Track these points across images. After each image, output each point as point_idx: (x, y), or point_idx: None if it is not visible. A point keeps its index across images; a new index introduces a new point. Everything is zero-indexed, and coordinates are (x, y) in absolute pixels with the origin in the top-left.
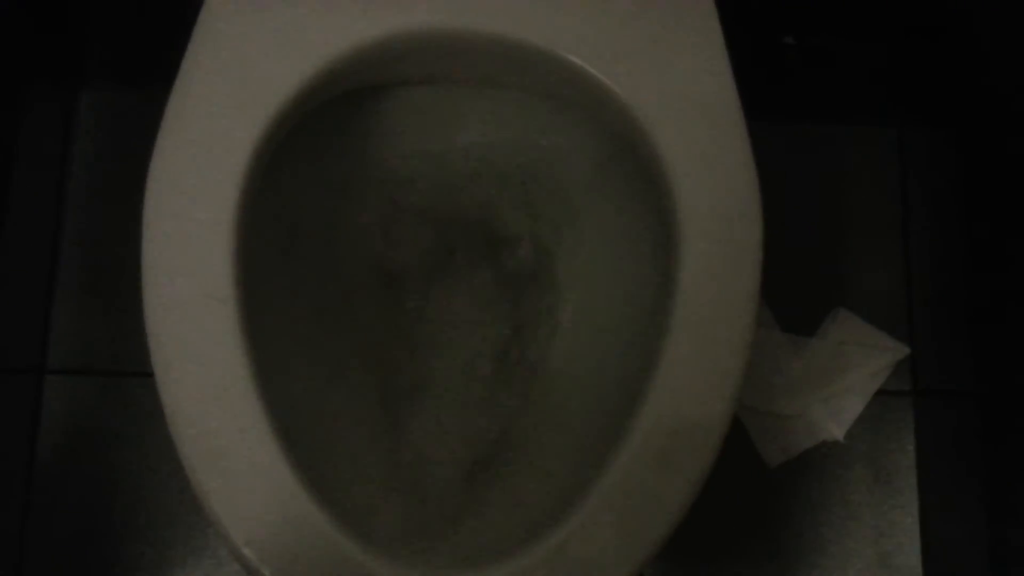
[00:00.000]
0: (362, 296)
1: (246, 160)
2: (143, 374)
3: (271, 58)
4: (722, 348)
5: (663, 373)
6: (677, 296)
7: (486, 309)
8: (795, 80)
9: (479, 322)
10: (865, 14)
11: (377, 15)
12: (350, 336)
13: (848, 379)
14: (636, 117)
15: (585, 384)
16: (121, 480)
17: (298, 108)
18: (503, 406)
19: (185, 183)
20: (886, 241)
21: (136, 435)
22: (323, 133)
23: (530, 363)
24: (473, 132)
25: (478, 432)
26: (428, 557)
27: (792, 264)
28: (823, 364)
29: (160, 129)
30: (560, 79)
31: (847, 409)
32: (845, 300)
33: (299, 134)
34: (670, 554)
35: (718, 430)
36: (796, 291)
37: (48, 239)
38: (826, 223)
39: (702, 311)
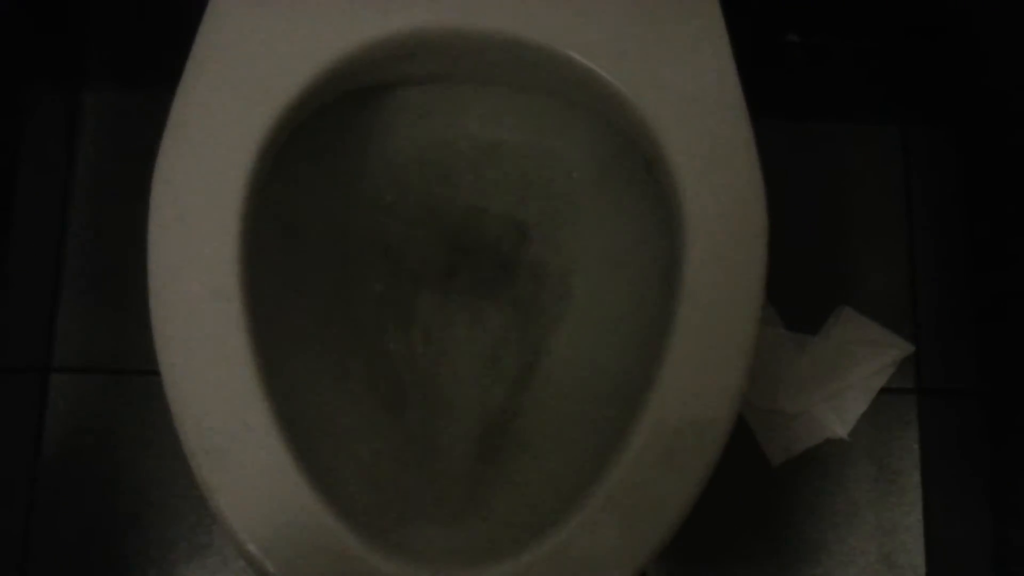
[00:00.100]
0: (365, 295)
1: (251, 159)
2: (148, 372)
3: (275, 58)
4: (727, 347)
5: (667, 372)
6: (682, 294)
7: (489, 307)
8: (798, 78)
9: (482, 320)
10: (868, 12)
11: (381, 14)
12: (354, 334)
13: (852, 377)
14: (641, 115)
15: (589, 382)
16: (126, 478)
17: (302, 108)
18: (507, 405)
19: (190, 183)
20: (889, 239)
21: (140, 433)
22: (326, 132)
23: (534, 362)
24: (476, 130)
25: (482, 430)
26: (432, 553)
27: (796, 262)
28: (827, 362)
29: (165, 128)
30: (564, 77)
31: (851, 407)
32: (849, 298)
33: (302, 133)
34: (673, 552)
35: (722, 429)
36: (800, 289)
37: (53, 239)
38: (830, 221)
39: (707, 310)
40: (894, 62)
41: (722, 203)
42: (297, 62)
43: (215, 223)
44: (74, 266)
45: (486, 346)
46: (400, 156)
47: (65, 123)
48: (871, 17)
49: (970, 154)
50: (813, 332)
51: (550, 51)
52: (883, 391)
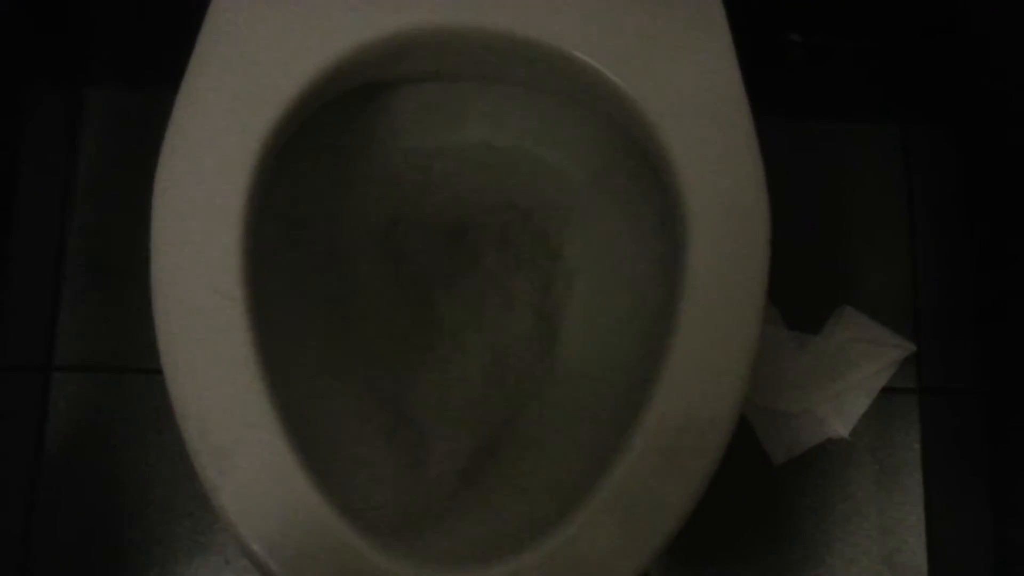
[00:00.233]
0: (368, 293)
1: (254, 158)
2: (149, 371)
3: (279, 56)
4: (729, 346)
5: (670, 371)
6: (684, 294)
7: (492, 306)
8: (799, 77)
9: (485, 319)
10: (869, 12)
11: (385, 12)
12: (357, 333)
13: (853, 376)
14: (643, 114)
15: (592, 382)
16: (127, 477)
17: (306, 105)
18: (510, 405)
19: (193, 182)
20: (891, 238)
21: (142, 432)
22: (329, 130)
23: (537, 360)
24: (480, 128)
25: (485, 429)
26: (435, 553)
27: (797, 261)
28: (828, 361)
29: (168, 127)
30: (567, 76)
31: (852, 407)
32: (850, 298)
33: (305, 131)
34: (674, 551)
35: (725, 429)
36: (801, 289)
37: (54, 238)
38: (831, 220)
39: (709, 309)
40: (895, 62)
41: (724, 202)
42: (299, 61)
43: (217, 222)
44: (75, 265)
45: (488, 346)
46: (402, 155)
47: (67, 122)
48: (872, 17)
49: (971, 153)
50: (814, 331)
51: (552, 50)
52: (884, 390)
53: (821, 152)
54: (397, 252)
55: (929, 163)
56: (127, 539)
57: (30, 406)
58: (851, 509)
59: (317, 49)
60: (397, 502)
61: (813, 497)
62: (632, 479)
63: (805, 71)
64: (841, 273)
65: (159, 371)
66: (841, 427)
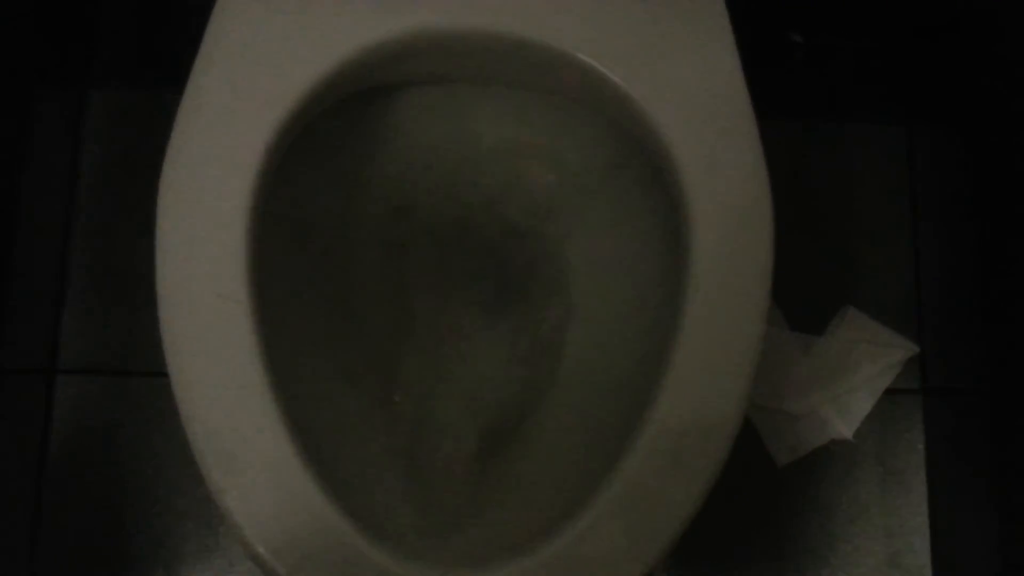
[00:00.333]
0: (372, 295)
1: (259, 160)
2: (154, 374)
3: (283, 59)
4: (733, 348)
5: (674, 373)
6: (688, 295)
7: (496, 308)
8: (802, 78)
9: (489, 321)
10: (873, 12)
11: (389, 15)
12: (361, 335)
13: (857, 378)
14: (646, 116)
15: (596, 383)
16: (132, 479)
17: (310, 109)
18: (515, 406)
19: (198, 184)
20: (895, 239)
21: (147, 434)
22: (333, 133)
23: (540, 362)
24: (484, 131)
25: (490, 431)
26: (440, 554)
27: (801, 262)
28: (832, 363)
29: (173, 130)
30: (569, 78)
31: (856, 408)
32: (854, 298)
33: (309, 134)
34: (678, 553)
35: (729, 430)
36: (805, 289)
37: (58, 240)
38: (834, 221)
39: (713, 310)
40: (898, 62)
41: (728, 203)
42: (303, 64)
43: (222, 224)
44: (80, 267)
45: (493, 349)
46: (405, 157)
47: (71, 124)
48: (875, 17)
49: (975, 154)
50: (818, 333)
51: (555, 52)
52: (888, 392)
53: (824, 153)
54: (401, 254)
55: (933, 164)
56: (132, 542)
57: (35, 409)
58: (855, 510)
59: (321, 52)
60: (403, 502)
61: (817, 498)
62: (637, 481)
63: (808, 71)
64: (844, 274)
65: (163, 374)
66: (845, 428)
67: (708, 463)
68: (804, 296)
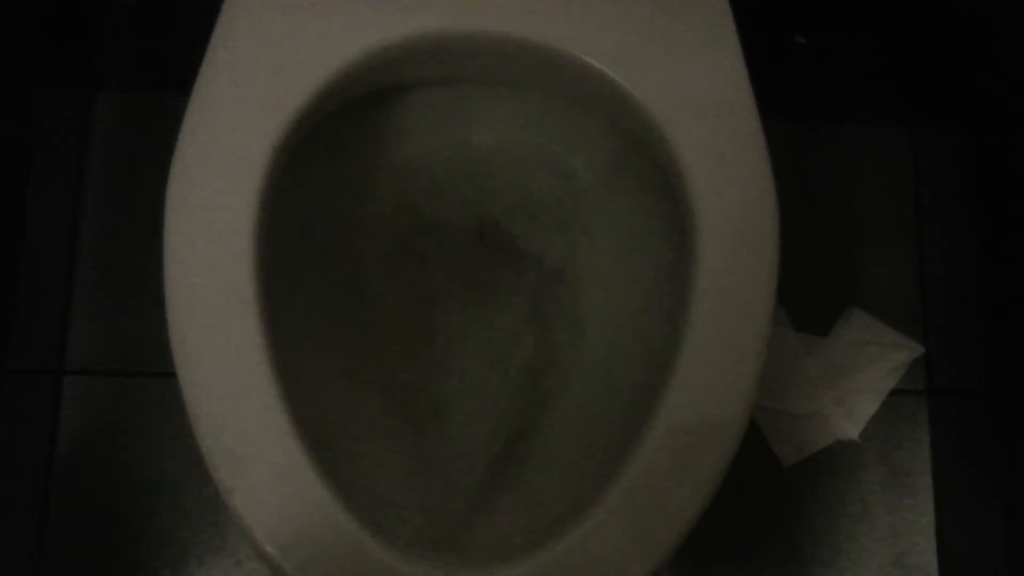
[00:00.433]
0: (377, 295)
1: (266, 162)
2: (161, 374)
3: (290, 61)
4: (739, 348)
5: (680, 374)
6: (694, 296)
7: (503, 310)
8: (806, 79)
9: (496, 322)
10: (876, 13)
11: (395, 18)
12: (367, 336)
13: (862, 378)
14: (652, 117)
15: (603, 384)
16: (139, 480)
17: (316, 110)
18: (522, 406)
19: (206, 185)
20: (899, 240)
21: (154, 435)
22: (339, 134)
23: (547, 363)
24: (488, 132)
25: (497, 430)
26: (447, 553)
27: (805, 263)
28: (837, 363)
29: (180, 131)
30: (574, 80)
31: (861, 408)
32: (859, 299)
33: (315, 136)
34: (685, 552)
35: (735, 431)
36: (810, 290)
37: (66, 242)
38: (839, 222)
39: (719, 312)
40: (902, 63)
41: (733, 204)
42: (310, 65)
43: (230, 226)
44: (87, 267)
45: (498, 349)
46: (411, 158)
47: (78, 127)
48: (878, 18)
49: (979, 155)
50: (823, 333)
51: (561, 54)
52: (893, 392)
53: (829, 153)
54: (407, 255)
55: (937, 164)
56: (139, 541)
57: (42, 409)
58: (861, 511)
59: (327, 54)
60: (410, 502)
61: (822, 499)
62: (643, 481)
63: (812, 72)
64: (849, 275)
65: (171, 374)
66: (850, 429)
67: (714, 463)
68: (809, 296)
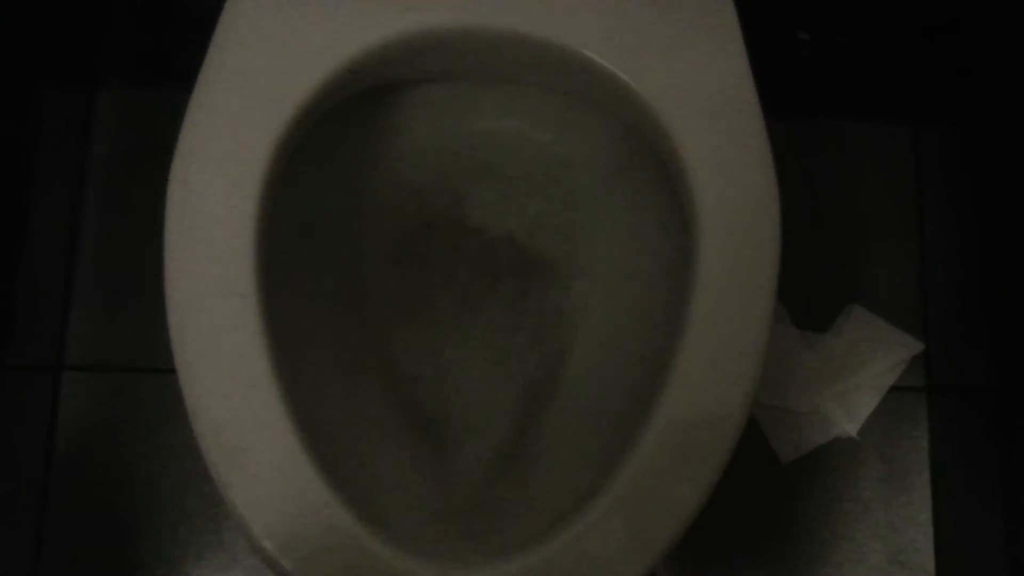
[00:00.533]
0: (377, 291)
1: (267, 158)
2: (160, 371)
3: (291, 57)
4: (739, 345)
5: (679, 370)
6: (694, 293)
7: (501, 304)
8: (809, 76)
9: (496, 321)
10: (879, 10)
11: (396, 14)
12: (367, 332)
13: (862, 375)
14: (654, 113)
15: (603, 381)
16: (137, 476)
17: (318, 106)
18: (522, 403)
19: (206, 181)
20: (900, 237)
21: (152, 431)
22: (339, 130)
23: (548, 360)
24: (488, 128)
25: (497, 426)
26: (445, 550)
27: (806, 260)
28: (837, 360)
29: (182, 127)
30: (578, 76)
31: (861, 405)
32: (859, 297)
33: (316, 132)
34: (682, 549)
35: (734, 428)
36: (810, 287)
37: (66, 238)
38: (840, 219)
39: (719, 308)
40: (905, 60)
41: (735, 201)
42: (312, 61)
43: (230, 222)
44: (86, 264)
45: (499, 346)
46: (411, 155)
47: (78, 124)
48: (881, 15)
49: (981, 152)
50: (823, 330)
51: (563, 50)
52: (893, 389)
53: (831, 151)
54: (405, 251)
55: (939, 162)
56: (137, 537)
57: (41, 405)
58: (859, 508)
59: (329, 51)
60: (409, 498)
61: (821, 496)
62: (641, 478)
63: (814, 70)
64: (850, 272)
65: (170, 370)
66: (849, 426)
67: (713, 460)
68: (809, 293)
